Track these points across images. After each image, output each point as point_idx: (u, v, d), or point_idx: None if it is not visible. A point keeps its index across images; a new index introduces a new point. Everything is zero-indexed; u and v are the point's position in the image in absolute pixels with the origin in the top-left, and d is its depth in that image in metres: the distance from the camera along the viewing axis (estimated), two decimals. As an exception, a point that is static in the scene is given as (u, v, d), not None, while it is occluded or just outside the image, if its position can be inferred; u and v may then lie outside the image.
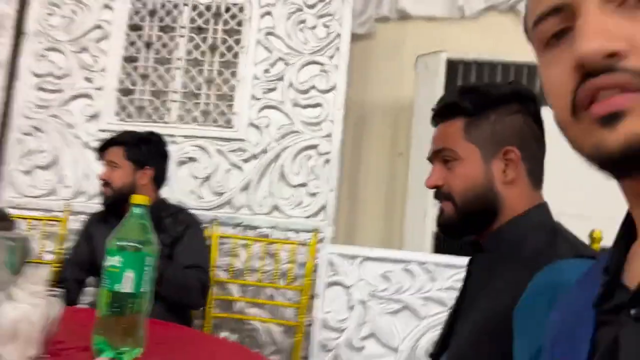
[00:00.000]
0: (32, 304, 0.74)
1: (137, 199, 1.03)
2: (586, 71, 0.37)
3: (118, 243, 0.99)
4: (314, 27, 2.32)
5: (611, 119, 0.36)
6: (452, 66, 2.25)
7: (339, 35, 2.29)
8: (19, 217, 2.17)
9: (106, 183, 1.82)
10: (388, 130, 2.45)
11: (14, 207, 2.31)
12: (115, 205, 1.82)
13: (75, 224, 2.23)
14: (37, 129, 2.37)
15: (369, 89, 2.54)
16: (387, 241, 2.31)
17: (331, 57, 2.29)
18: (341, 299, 2.06)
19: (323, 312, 2.06)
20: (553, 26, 0.42)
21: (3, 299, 0.72)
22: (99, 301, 0.98)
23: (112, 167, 1.82)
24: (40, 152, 2.35)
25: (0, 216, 1.70)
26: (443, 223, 0.93)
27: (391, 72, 2.50)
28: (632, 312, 0.39)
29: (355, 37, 2.54)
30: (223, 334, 2.21)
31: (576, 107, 0.39)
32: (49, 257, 2.17)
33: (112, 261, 0.98)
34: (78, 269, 1.80)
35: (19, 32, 2.43)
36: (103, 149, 1.86)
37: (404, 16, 2.56)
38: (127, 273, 0.98)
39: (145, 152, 1.87)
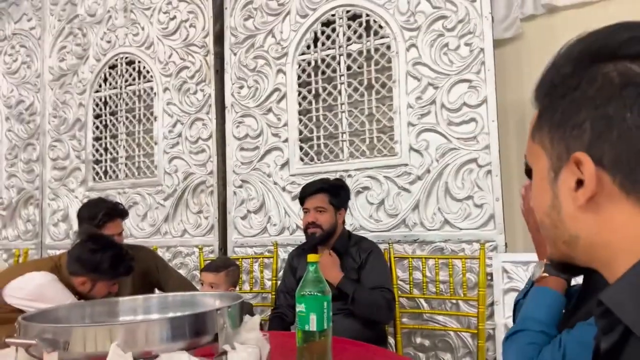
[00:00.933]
0: (248, 351, 1.11)
1: (311, 257, 1.37)
2: None
3: (301, 293, 1.34)
4: (457, 48, 2.45)
5: None
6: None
7: (482, 49, 2.39)
8: (243, 257, 2.74)
9: (316, 225, 2.20)
10: (551, 127, 2.43)
11: (238, 246, 2.93)
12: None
13: (284, 254, 2.74)
14: (245, 181, 2.95)
15: (525, 90, 2.55)
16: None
17: (477, 72, 2.40)
18: (520, 304, 2.15)
19: (504, 317, 2.18)
20: None
21: (229, 349, 1.10)
22: (296, 336, 1.34)
23: (319, 211, 2.21)
24: (250, 199, 2.92)
25: (230, 263, 2.23)
26: None
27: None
28: None
29: (503, 43, 2.59)
30: (417, 340, 2.47)
31: None
32: (268, 284, 2.69)
33: (299, 307, 1.33)
34: (290, 297, 2.24)
35: (221, 107, 3.05)
36: (308, 196, 2.25)
37: (550, 9, 2.50)
38: (312, 316, 1.32)
39: (342, 196, 2.27)
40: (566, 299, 0.92)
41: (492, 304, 2.25)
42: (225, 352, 1.11)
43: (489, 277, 2.25)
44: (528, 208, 1.04)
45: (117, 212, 2.33)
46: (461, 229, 2.39)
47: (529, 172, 0.87)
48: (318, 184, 2.27)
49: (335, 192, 2.25)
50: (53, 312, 1.31)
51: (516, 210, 2.39)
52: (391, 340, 2.36)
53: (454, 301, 2.36)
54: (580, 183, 0.52)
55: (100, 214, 2.24)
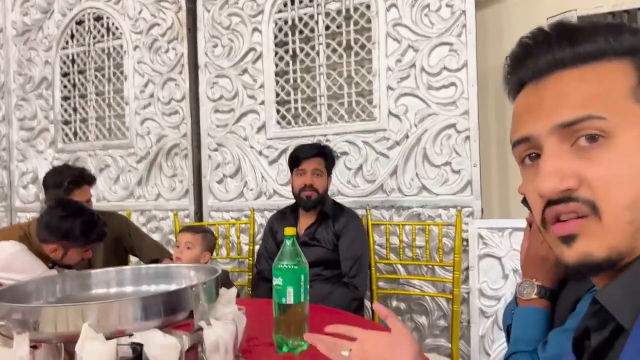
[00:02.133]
0: (224, 328, 1.09)
1: (287, 231, 1.35)
2: (547, 200, 0.52)
3: (279, 267, 1.32)
4: (438, 9, 2.38)
5: (568, 239, 0.51)
6: (586, 23, 2.13)
7: (463, 12, 2.33)
8: (219, 223, 2.71)
9: (312, 188, 2.15)
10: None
11: (214, 210, 2.89)
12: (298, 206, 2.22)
13: (261, 219, 2.72)
14: (220, 145, 2.88)
15: (506, 54, 2.51)
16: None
17: (459, 35, 2.34)
18: (495, 270, 2.19)
19: (479, 282, 2.22)
20: (524, 151, 0.58)
21: (205, 326, 1.08)
22: (274, 309, 1.33)
23: (317, 174, 2.16)
24: (226, 163, 2.87)
25: (208, 230, 2.19)
26: None
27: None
28: None
29: (484, 4, 2.53)
30: (393, 303, 2.51)
31: (544, 221, 0.54)
32: (245, 248, 2.68)
33: (277, 281, 1.32)
34: (271, 261, 2.23)
35: (194, 67, 2.94)
36: (306, 158, 2.17)
37: (533, -29, 2.45)
38: (289, 289, 1.31)
39: (332, 162, 2.25)
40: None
41: (467, 269, 2.28)
42: (201, 329, 1.10)
43: (465, 243, 2.27)
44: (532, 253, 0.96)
45: (84, 178, 2.25)
46: (438, 195, 2.39)
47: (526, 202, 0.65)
48: (317, 147, 2.22)
49: (331, 158, 2.24)
50: (22, 287, 1.27)
51: (493, 177, 2.40)
52: (367, 303, 2.39)
53: (430, 266, 2.38)
54: None
55: (66, 182, 2.17)
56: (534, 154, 0.56)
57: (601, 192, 0.49)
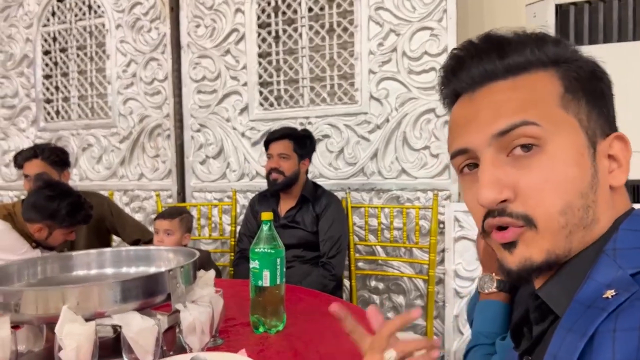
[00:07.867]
0: (200, 310, 1.13)
1: (265, 216, 1.38)
2: (486, 210, 0.56)
3: (255, 250, 1.36)
4: (420, -6, 2.39)
5: (509, 245, 0.54)
6: (563, 12, 2.15)
7: (445, -3, 2.34)
8: (201, 205, 2.74)
9: (278, 171, 2.21)
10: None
11: (197, 191, 2.91)
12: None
13: (243, 200, 2.75)
14: (203, 125, 2.89)
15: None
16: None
17: (439, 20, 2.36)
18: (470, 252, 2.25)
19: (454, 263, 2.28)
20: (462, 161, 0.60)
21: (182, 308, 1.12)
22: (250, 290, 1.38)
23: (282, 157, 2.20)
24: (208, 144, 2.88)
25: (183, 211, 2.22)
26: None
27: (506, 23, 2.46)
28: None
29: (466, -11, 2.55)
30: (372, 283, 2.57)
31: (484, 229, 0.58)
32: (227, 229, 2.72)
33: (253, 264, 1.36)
34: (252, 240, 2.27)
35: (177, 47, 2.93)
36: (272, 141, 2.24)
37: (514, -42, 2.46)
38: (265, 272, 1.35)
39: (307, 147, 2.27)
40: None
41: (443, 251, 2.34)
42: (177, 311, 1.14)
43: (441, 225, 2.32)
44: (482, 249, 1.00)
45: (35, 152, 2.33)
46: (417, 178, 2.44)
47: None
48: (284, 130, 2.28)
49: (302, 141, 2.26)
50: (3, 269, 1.30)
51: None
52: (347, 282, 2.45)
53: (408, 247, 2.44)
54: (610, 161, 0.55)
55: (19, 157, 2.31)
56: (472, 164, 0.58)
57: (534, 202, 0.52)
